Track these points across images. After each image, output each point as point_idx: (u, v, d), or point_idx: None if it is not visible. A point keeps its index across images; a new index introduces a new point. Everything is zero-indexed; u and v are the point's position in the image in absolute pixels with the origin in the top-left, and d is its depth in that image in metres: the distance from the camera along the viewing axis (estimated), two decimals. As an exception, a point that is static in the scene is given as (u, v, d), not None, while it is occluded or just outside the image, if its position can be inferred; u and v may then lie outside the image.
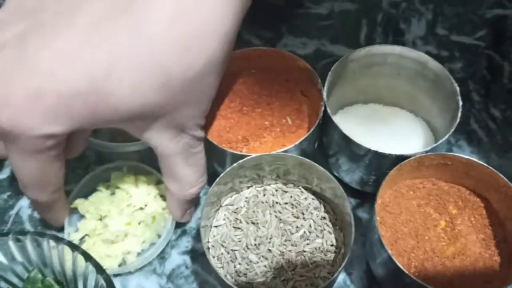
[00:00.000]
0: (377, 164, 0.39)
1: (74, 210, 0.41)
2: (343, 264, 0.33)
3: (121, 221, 0.40)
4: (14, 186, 0.45)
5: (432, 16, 0.57)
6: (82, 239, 0.40)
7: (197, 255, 0.42)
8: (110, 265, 0.39)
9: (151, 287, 0.40)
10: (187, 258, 0.42)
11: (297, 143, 0.38)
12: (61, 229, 0.41)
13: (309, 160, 0.37)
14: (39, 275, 0.35)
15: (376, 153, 0.38)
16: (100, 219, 0.41)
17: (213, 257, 0.38)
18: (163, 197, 0.42)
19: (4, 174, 0.46)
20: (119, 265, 0.39)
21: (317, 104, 0.42)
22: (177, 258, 0.42)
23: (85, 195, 0.42)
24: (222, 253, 0.38)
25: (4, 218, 0.44)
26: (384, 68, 0.45)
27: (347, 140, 0.39)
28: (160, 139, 0.32)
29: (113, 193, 0.42)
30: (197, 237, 0.43)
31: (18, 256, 0.35)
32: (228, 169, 0.37)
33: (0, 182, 0.46)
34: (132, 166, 0.42)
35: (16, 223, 0.44)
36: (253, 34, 0.56)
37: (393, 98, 0.47)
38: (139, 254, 0.40)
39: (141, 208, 0.41)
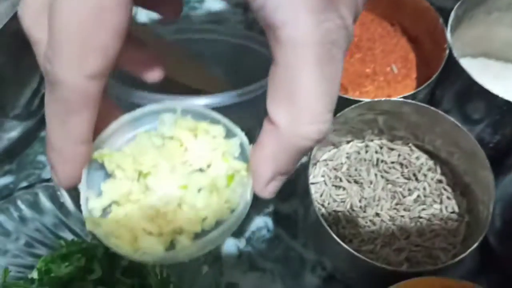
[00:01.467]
0: (509, 121, 0.33)
1: (95, 165, 0.25)
2: (481, 238, 0.27)
3: (173, 182, 0.26)
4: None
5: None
6: (106, 209, 0.25)
7: (281, 217, 0.37)
8: (152, 247, 0.24)
9: (227, 250, 0.35)
10: (268, 220, 0.37)
11: (412, 92, 0.32)
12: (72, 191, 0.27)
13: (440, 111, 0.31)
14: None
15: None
16: (138, 179, 0.26)
17: (311, 218, 0.32)
18: (235, 159, 0.26)
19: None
20: (166, 250, 0.25)
21: (431, 51, 0.36)
22: (257, 220, 0.37)
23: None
24: (322, 214, 0.32)
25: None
26: (506, 16, 0.38)
27: (477, 90, 0.32)
28: (295, 7, 0.18)
29: (159, 146, 0.27)
30: (279, 196, 0.37)
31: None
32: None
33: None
34: (190, 109, 0.27)
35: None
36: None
37: (510, 53, 0.41)
38: (197, 236, 0.25)
39: (201, 170, 0.27)
